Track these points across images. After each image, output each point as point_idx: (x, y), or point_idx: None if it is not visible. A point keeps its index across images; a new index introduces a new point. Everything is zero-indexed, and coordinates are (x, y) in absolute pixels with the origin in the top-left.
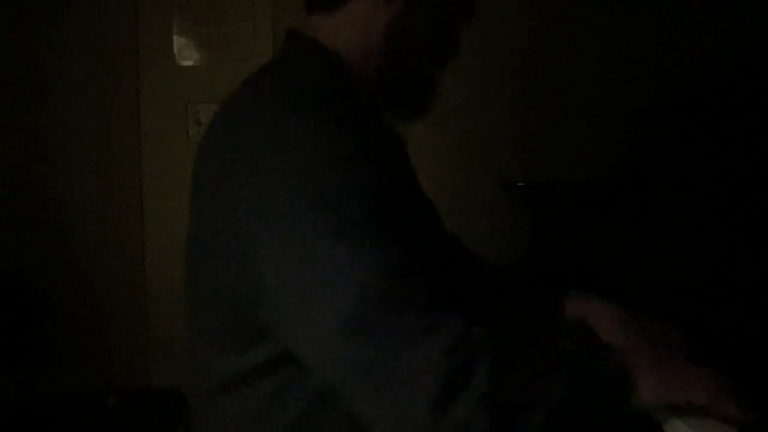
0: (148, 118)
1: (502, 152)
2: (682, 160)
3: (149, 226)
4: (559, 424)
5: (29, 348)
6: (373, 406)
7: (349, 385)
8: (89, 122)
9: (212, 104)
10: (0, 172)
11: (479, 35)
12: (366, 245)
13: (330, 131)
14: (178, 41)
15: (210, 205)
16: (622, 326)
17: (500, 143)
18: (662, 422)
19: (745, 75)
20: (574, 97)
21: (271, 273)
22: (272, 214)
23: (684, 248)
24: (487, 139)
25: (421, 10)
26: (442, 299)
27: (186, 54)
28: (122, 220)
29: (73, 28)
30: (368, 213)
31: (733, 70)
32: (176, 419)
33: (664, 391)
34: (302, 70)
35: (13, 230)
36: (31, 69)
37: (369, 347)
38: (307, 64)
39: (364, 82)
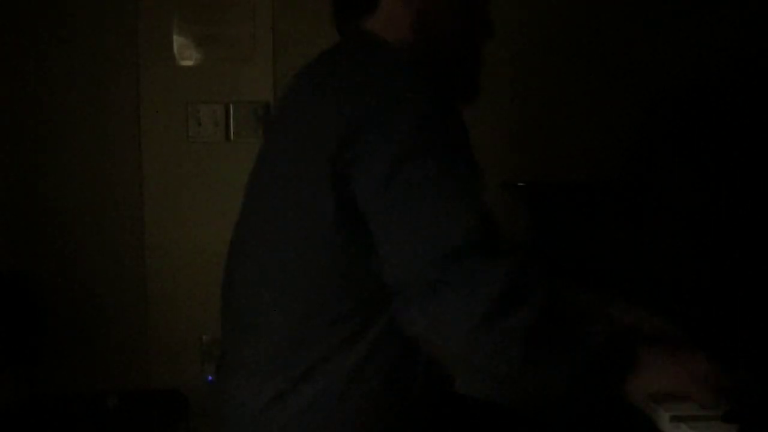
0: (148, 118)
1: (502, 152)
2: (681, 160)
3: (149, 226)
4: (581, 385)
5: (29, 348)
6: (434, 305)
7: (417, 290)
8: (89, 122)
9: (212, 104)
10: (0, 172)
11: None
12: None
13: (431, 92)
14: (178, 41)
15: (307, 169)
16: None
17: (500, 143)
18: (651, 413)
19: (745, 75)
20: (574, 97)
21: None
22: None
23: (684, 248)
24: (487, 139)
25: (446, 7)
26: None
27: (186, 54)
28: (122, 220)
29: (73, 28)
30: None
31: (733, 70)
32: (176, 419)
33: (647, 385)
34: (379, 51)
35: (13, 230)
36: (31, 69)
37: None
38: (379, 48)
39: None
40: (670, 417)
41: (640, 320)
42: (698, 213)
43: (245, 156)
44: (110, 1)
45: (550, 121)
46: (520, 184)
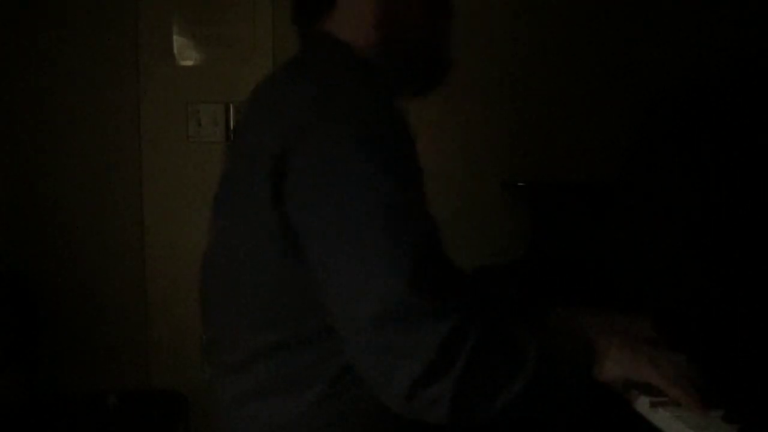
0: (148, 118)
1: (502, 152)
2: (681, 160)
3: (149, 226)
4: (523, 403)
5: (29, 348)
6: (368, 368)
7: (354, 345)
8: (89, 122)
9: (212, 104)
10: (0, 171)
11: (479, 35)
12: (404, 224)
13: (377, 107)
14: (178, 41)
15: (252, 185)
16: (596, 318)
17: (500, 143)
18: (632, 401)
19: (745, 75)
20: (573, 97)
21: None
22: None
23: (684, 248)
24: (487, 139)
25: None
26: (454, 282)
27: (186, 54)
28: (122, 220)
29: (73, 28)
30: (406, 193)
31: (733, 70)
32: (176, 419)
33: (620, 371)
34: (331, 58)
35: (13, 230)
36: (31, 69)
37: (388, 324)
38: (333, 54)
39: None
40: (675, 417)
41: (630, 324)
42: (698, 213)
43: None
44: (110, 1)
45: (550, 121)
46: (520, 184)
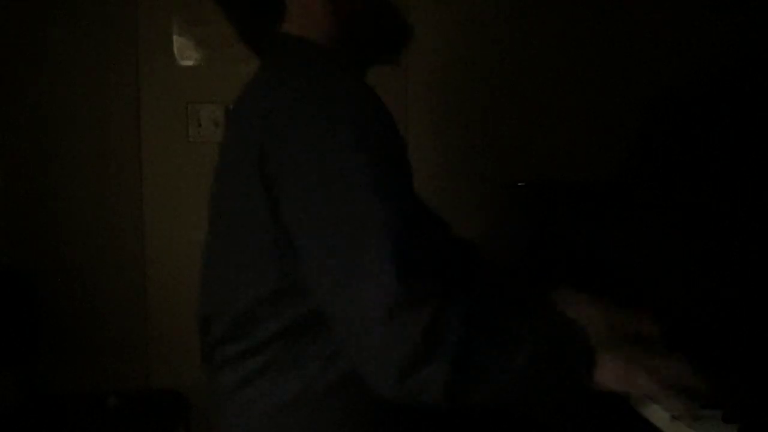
0: (148, 118)
1: (502, 152)
2: (681, 160)
3: (149, 226)
4: (518, 388)
5: (29, 348)
6: (359, 360)
7: (344, 337)
8: (89, 122)
9: (212, 104)
10: (0, 171)
11: (479, 35)
12: (381, 202)
13: (355, 105)
14: (178, 41)
15: (240, 172)
16: (599, 314)
17: (500, 143)
18: (651, 416)
19: (745, 75)
20: (573, 97)
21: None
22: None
23: (684, 248)
24: (487, 139)
25: None
26: (437, 269)
27: (186, 54)
28: (122, 220)
29: (73, 28)
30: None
31: (733, 70)
32: (176, 419)
33: (616, 384)
34: (305, 58)
35: (13, 230)
36: (31, 69)
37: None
38: (303, 53)
39: (338, 53)
40: (671, 416)
41: (629, 321)
42: (699, 213)
43: None
44: (110, 1)
45: (550, 121)
46: (520, 184)
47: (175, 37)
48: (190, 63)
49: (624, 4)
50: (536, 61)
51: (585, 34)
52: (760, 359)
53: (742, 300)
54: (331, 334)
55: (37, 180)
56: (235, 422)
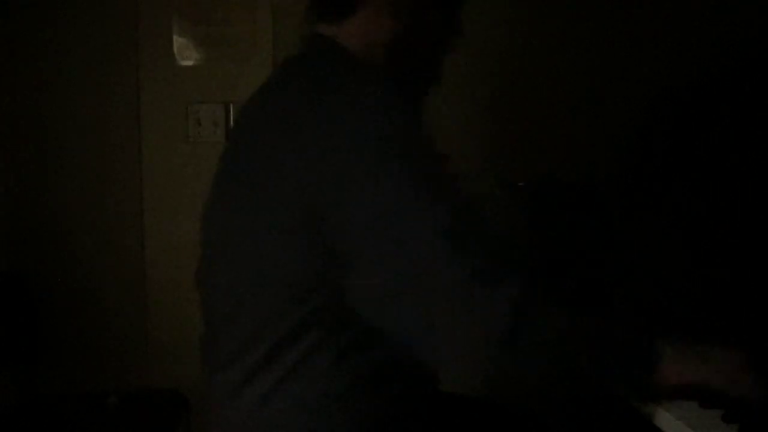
0: (148, 118)
1: (502, 152)
2: (681, 160)
3: (149, 226)
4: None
5: (29, 348)
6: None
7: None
8: (89, 122)
9: (212, 104)
10: None
11: (479, 35)
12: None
13: (392, 102)
14: (178, 41)
15: (263, 166)
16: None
17: (500, 143)
18: (652, 416)
19: (745, 75)
20: (573, 97)
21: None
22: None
23: (684, 248)
24: (487, 139)
25: (424, 23)
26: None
27: (186, 54)
28: (122, 220)
29: (73, 28)
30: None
31: (733, 70)
32: (176, 419)
33: (683, 375)
34: (334, 58)
35: (13, 230)
36: (31, 69)
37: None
38: (344, 63)
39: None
40: (675, 417)
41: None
42: (699, 213)
43: None
44: (110, 1)
45: (550, 121)
46: (520, 184)
47: (175, 37)
48: (190, 63)
49: (624, 4)
50: (536, 61)
51: (585, 34)
52: (760, 359)
53: (742, 300)
54: (338, 337)
55: (36, 180)
56: (235, 423)
